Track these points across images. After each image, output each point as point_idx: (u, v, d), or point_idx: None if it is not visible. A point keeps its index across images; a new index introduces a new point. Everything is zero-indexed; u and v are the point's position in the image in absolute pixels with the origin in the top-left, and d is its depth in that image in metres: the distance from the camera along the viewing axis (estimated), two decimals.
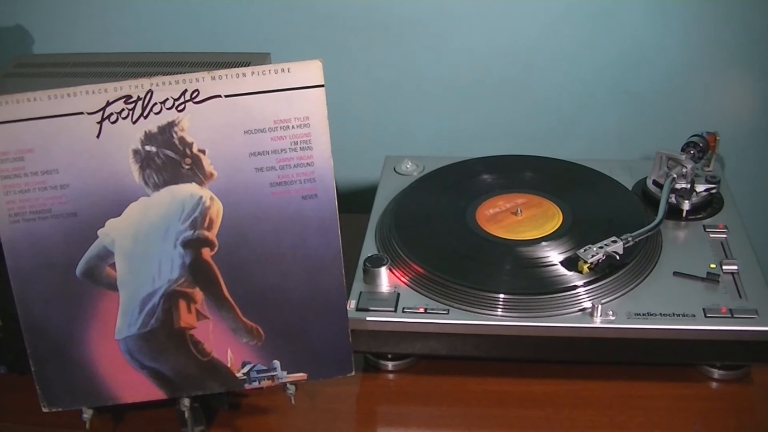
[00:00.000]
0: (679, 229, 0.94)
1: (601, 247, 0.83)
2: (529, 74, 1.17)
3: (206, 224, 0.71)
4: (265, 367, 0.76)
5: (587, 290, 0.82)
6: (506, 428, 0.81)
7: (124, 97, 0.68)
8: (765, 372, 0.85)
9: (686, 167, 0.95)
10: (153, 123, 0.69)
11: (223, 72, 0.68)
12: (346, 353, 0.76)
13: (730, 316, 0.80)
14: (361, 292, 0.85)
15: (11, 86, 0.92)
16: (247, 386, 0.76)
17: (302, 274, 0.73)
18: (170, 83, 0.68)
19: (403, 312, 0.82)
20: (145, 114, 0.68)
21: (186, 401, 0.76)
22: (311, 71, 0.68)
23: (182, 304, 0.73)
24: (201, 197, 0.71)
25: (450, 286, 0.84)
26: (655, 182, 0.98)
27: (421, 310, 0.83)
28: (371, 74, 1.19)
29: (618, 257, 0.84)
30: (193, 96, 0.68)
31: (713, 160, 1.00)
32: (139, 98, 0.68)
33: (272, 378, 0.76)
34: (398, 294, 0.84)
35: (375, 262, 0.86)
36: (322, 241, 0.72)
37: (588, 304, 0.81)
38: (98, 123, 0.68)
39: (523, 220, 0.92)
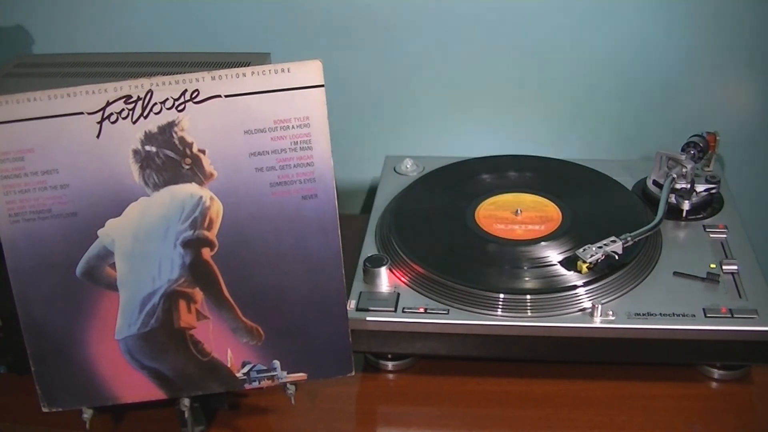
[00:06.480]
0: (679, 229, 0.93)
1: (600, 247, 0.83)
2: (528, 74, 1.17)
3: (206, 224, 0.71)
4: (265, 367, 0.76)
5: (587, 290, 0.82)
6: (506, 428, 0.81)
7: (124, 97, 0.68)
8: (765, 372, 0.85)
9: (686, 167, 0.95)
10: (153, 123, 0.69)
11: (223, 72, 0.68)
12: (346, 353, 0.76)
13: (730, 316, 0.80)
14: (361, 292, 0.85)
15: (11, 86, 0.92)
16: (247, 386, 0.76)
17: (302, 274, 0.73)
18: (170, 83, 0.68)
19: (403, 312, 0.82)
20: (145, 114, 0.68)
21: (186, 401, 0.76)
22: (311, 71, 0.68)
23: (182, 304, 0.73)
24: (201, 197, 0.71)
25: (450, 286, 0.84)
26: (655, 182, 0.98)
27: (421, 310, 0.83)
28: (371, 74, 1.19)
29: (617, 257, 0.84)
30: (193, 96, 0.68)
31: (713, 160, 1.00)
32: (139, 98, 0.68)
33: (272, 378, 0.76)
34: (398, 294, 0.84)
35: (375, 262, 0.86)
36: (322, 241, 0.72)
37: (588, 304, 0.81)
38: (98, 123, 0.68)
39: (522, 220, 0.92)
